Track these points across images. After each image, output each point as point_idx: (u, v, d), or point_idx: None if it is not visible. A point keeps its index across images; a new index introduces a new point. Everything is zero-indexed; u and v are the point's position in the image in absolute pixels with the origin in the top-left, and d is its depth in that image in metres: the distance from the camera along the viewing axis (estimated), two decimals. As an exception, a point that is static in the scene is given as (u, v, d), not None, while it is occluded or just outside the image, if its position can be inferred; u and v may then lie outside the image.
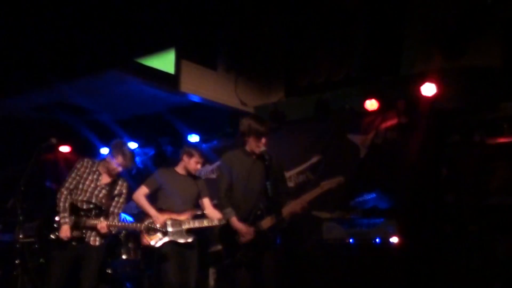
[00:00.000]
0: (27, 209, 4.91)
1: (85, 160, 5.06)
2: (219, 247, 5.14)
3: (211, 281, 6.40)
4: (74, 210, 4.86)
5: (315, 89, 7.06)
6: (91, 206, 4.88)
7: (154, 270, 6.03)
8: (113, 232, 4.99)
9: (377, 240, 5.53)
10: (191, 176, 5.49)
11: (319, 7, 6.87)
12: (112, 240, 5.96)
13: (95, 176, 4.97)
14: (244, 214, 4.63)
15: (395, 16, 6.45)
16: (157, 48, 6.37)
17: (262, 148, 4.66)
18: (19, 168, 5.01)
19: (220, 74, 7.21)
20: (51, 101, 7.10)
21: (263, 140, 4.68)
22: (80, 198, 4.89)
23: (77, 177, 4.94)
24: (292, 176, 6.89)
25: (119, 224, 4.97)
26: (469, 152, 5.81)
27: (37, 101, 7.12)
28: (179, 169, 5.49)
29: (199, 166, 5.52)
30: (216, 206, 5.43)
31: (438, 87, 5.76)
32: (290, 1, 7.12)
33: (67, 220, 4.77)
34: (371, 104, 6.27)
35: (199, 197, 5.47)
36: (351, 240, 5.70)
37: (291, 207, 4.60)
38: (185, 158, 5.44)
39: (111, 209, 4.97)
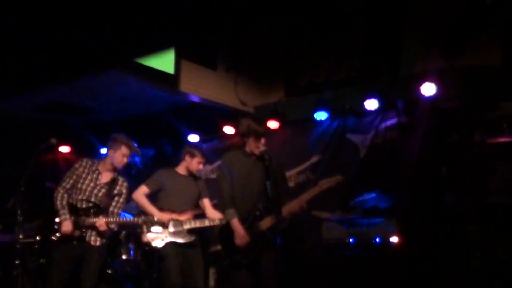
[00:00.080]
0: (27, 210, 4.92)
1: (84, 160, 5.07)
2: (219, 247, 5.14)
3: (211, 281, 6.40)
4: (73, 210, 4.86)
5: (315, 89, 7.06)
6: (90, 205, 4.87)
7: (155, 271, 6.04)
8: (112, 228, 4.97)
9: (377, 239, 5.53)
10: (192, 176, 5.49)
11: (319, 7, 6.86)
12: (112, 240, 5.97)
13: (94, 176, 4.97)
14: (243, 214, 4.64)
15: (395, 15, 6.45)
16: (157, 48, 6.36)
17: (262, 148, 4.66)
18: (19, 168, 5.01)
19: (220, 74, 7.21)
20: (51, 101, 7.10)
21: (263, 140, 4.69)
22: (79, 197, 4.89)
23: (75, 177, 4.94)
24: (292, 176, 6.89)
25: (118, 220, 4.95)
26: (469, 151, 5.81)
27: (37, 101, 7.12)
28: (180, 169, 5.49)
29: (201, 166, 5.53)
30: (216, 206, 5.44)
31: (438, 86, 5.76)
32: (290, 0, 7.12)
33: (67, 216, 4.77)
34: (371, 104, 6.27)
35: (199, 197, 5.48)
36: (351, 240, 5.70)
37: (289, 207, 4.61)
38: (187, 158, 5.44)
39: (111, 208, 4.97)
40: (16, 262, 4.81)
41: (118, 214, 5.07)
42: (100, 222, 4.77)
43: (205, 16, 6.90)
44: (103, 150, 7.85)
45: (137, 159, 8.44)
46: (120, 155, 4.99)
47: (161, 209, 5.26)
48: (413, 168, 5.93)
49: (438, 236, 5.66)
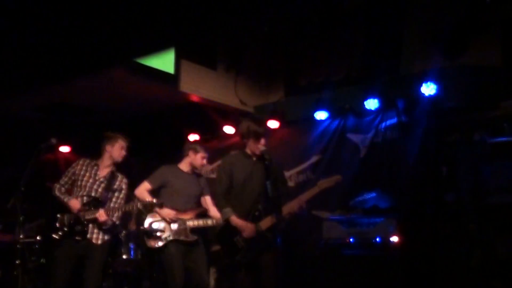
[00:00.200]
0: (27, 210, 4.93)
1: (81, 159, 5.11)
2: (219, 247, 5.14)
3: (211, 281, 6.40)
4: None
5: (315, 88, 7.06)
6: (90, 199, 4.89)
7: (157, 270, 6.04)
8: (113, 220, 4.96)
9: (377, 239, 5.53)
10: (194, 173, 5.49)
11: (319, 7, 6.86)
12: (112, 240, 5.97)
13: (93, 171, 5.01)
14: (242, 215, 4.64)
15: (395, 15, 6.44)
16: (157, 48, 6.36)
17: (262, 148, 4.67)
18: (19, 168, 5.01)
19: (220, 73, 7.22)
20: (51, 101, 7.11)
21: (262, 141, 4.70)
22: (80, 194, 4.92)
23: (72, 176, 5.00)
24: (292, 175, 6.90)
25: (117, 206, 4.97)
26: (469, 151, 5.80)
27: (37, 101, 7.12)
28: (183, 166, 5.48)
29: (205, 161, 5.54)
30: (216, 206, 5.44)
31: (438, 86, 5.76)
32: (290, 0, 7.11)
33: (70, 197, 4.87)
34: (371, 103, 6.27)
35: (201, 194, 5.47)
36: (351, 240, 5.70)
37: (289, 207, 4.61)
38: (191, 154, 5.43)
39: (111, 204, 4.97)
40: (17, 262, 4.81)
41: (117, 210, 5.05)
42: (100, 212, 4.78)
43: (205, 16, 6.89)
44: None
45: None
46: (118, 147, 5.07)
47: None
48: (413, 167, 5.94)
49: (438, 236, 5.66)
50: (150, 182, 5.35)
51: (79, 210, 4.81)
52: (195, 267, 5.18)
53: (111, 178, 5.02)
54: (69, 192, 4.99)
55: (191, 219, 5.22)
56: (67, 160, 8.19)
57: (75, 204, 4.82)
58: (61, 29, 5.67)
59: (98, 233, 4.88)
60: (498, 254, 5.27)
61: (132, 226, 6.30)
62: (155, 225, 5.22)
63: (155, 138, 8.15)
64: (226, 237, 4.65)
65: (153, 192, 5.36)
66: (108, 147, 5.06)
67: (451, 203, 5.80)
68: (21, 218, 4.80)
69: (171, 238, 5.15)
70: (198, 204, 5.46)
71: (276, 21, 7.05)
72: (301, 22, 7.04)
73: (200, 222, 5.21)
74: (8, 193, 4.81)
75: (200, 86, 6.92)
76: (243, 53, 7.35)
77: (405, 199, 5.91)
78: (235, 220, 4.59)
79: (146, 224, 5.29)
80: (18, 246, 4.88)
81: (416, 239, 5.58)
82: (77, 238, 4.79)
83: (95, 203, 4.88)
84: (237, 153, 4.96)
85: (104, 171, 5.05)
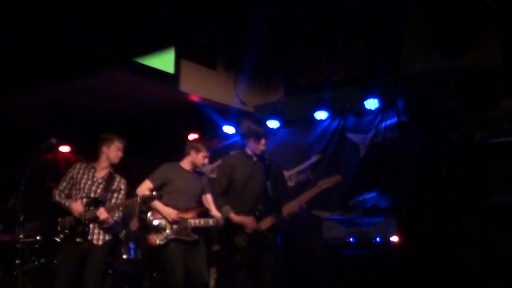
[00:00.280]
0: (27, 209, 4.92)
1: (78, 163, 5.13)
2: (219, 246, 5.14)
3: (212, 281, 6.40)
4: None
5: (315, 88, 7.06)
6: (89, 200, 4.90)
7: (157, 269, 6.03)
8: (115, 219, 4.96)
9: (378, 239, 5.53)
10: (196, 171, 5.48)
11: (319, 6, 6.86)
12: (112, 240, 5.97)
13: (90, 174, 5.02)
14: (243, 215, 4.64)
15: (395, 15, 6.44)
16: (157, 47, 6.36)
17: (262, 148, 4.68)
18: (20, 168, 5.01)
19: (220, 73, 7.22)
20: (51, 101, 7.10)
21: (263, 141, 4.71)
22: (79, 196, 4.93)
23: (71, 181, 5.02)
24: (292, 175, 6.90)
25: (118, 202, 4.98)
26: (469, 150, 5.81)
27: (37, 101, 7.11)
28: (185, 164, 5.46)
29: (206, 160, 5.53)
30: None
31: (438, 86, 5.76)
32: (290, 0, 7.11)
33: (71, 201, 4.88)
34: (371, 103, 6.28)
35: (202, 193, 5.47)
36: (351, 239, 5.71)
37: (289, 207, 4.61)
38: (192, 153, 5.42)
39: (112, 204, 4.98)
40: (17, 262, 4.80)
41: (116, 206, 5.06)
42: (101, 210, 4.79)
43: (205, 16, 6.89)
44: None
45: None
46: (114, 149, 5.07)
47: (165, 205, 5.24)
48: (413, 167, 5.94)
49: (438, 235, 5.66)
50: (152, 181, 5.34)
51: (82, 212, 4.81)
52: (195, 267, 5.17)
53: (109, 179, 5.04)
54: (69, 197, 4.99)
55: (192, 218, 5.22)
56: (67, 160, 8.20)
57: (77, 206, 4.83)
58: (61, 29, 5.67)
59: (99, 234, 4.88)
60: (498, 254, 5.27)
61: (134, 227, 6.31)
62: (156, 223, 5.21)
63: (155, 138, 8.16)
64: (227, 237, 4.66)
65: (155, 191, 5.35)
66: (104, 149, 5.07)
67: (451, 202, 5.80)
68: (21, 218, 4.80)
69: (172, 236, 5.15)
70: (200, 202, 5.46)
71: (276, 21, 7.05)
72: (301, 22, 7.04)
73: (201, 222, 5.20)
74: (8, 193, 4.81)
75: (200, 86, 6.92)
76: (243, 53, 7.35)
77: (405, 199, 5.91)
78: (235, 217, 4.60)
79: (147, 220, 5.29)
80: (18, 246, 4.88)
81: (416, 239, 5.58)
82: (78, 240, 4.79)
83: (95, 203, 4.89)
84: (237, 153, 4.97)
85: (101, 173, 5.06)
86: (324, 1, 6.85)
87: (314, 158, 6.85)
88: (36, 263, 6.10)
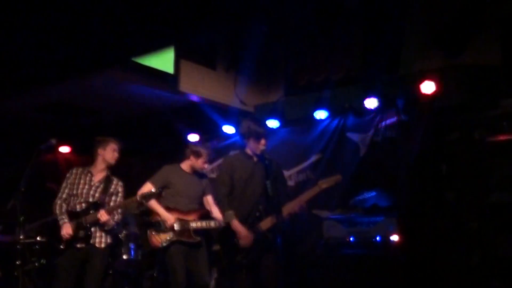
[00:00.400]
0: (27, 210, 4.92)
1: (74, 168, 5.15)
2: (219, 247, 5.14)
3: (212, 281, 6.40)
4: (74, 214, 4.92)
5: (314, 88, 7.06)
6: (88, 204, 4.91)
7: (158, 270, 6.03)
8: (115, 220, 4.97)
9: (378, 238, 5.53)
10: (196, 173, 5.48)
11: (319, 6, 6.86)
12: (112, 240, 5.97)
13: (87, 178, 5.03)
14: (243, 215, 4.64)
15: (394, 14, 6.44)
16: (156, 47, 6.36)
17: (262, 148, 4.68)
18: (19, 168, 5.01)
19: (220, 73, 7.21)
20: (51, 101, 7.10)
21: (263, 141, 4.71)
22: (77, 201, 4.95)
23: (69, 185, 5.02)
24: (292, 175, 6.90)
25: (117, 203, 4.98)
26: (469, 149, 5.81)
27: (37, 102, 7.11)
28: (185, 166, 5.46)
29: (206, 166, 5.52)
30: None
31: (437, 85, 5.76)
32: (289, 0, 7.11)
33: (65, 220, 4.86)
34: (371, 103, 6.27)
35: (203, 194, 5.47)
36: (351, 239, 5.71)
37: (289, 207, 4.62)
38: (192, 158, 5.41)
39: (112, 206, 4.98)
40: (17, 262, 4.80)
41: (116, 207, 5.06)
42: (101, 212, 4.79)
43: (205, 16, 6.89)
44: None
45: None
46: (110, 150, 5.08)
47: (167, 207, 5.24)
48: (413, 166, 5.93)
49: (438, 234, 5.66)
50: (153, 183, 5.34)
51: (69, 236, 4.79)
52: (196, 268, 5.18)
53: (106, 181, 5.04)
54: (68, 204, 5.00)
55: (194, 220, 5.21)
56: (67, 161, 8.19)
57: (67, 231, 4.81)
58: (61, 30, 5.67)
59: (101, 237, 4.90)
60: (498, 253, 5.27)
61: (135, 229, 6.32)
62: (158, 224, 5.21)
63: (155, 138, 8.15)
64: (227, 238, 4.66)
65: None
66: (100, 151, 5.07)
67: (451, 202, 5.81)
68: (21, 219, 4.79)
69: (174, 239, 5.15)
70: (201, 204, 5.45)
71: (276, 21, 7.05)
72: (301, 22, 7.04)
73: (203, 224, 5.19)
74: (8, 194, 4.81)
75: (199, 86, 6.92)
76: (243, 53, 7.34)
77: (405, 198, 5.90)
78: (236, 225, 4.58)
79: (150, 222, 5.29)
80: (18, 246, 4.88)
81: (416, 238, 5.58)
82: (79, 246, 4.80)
83: (94, 206, 4.89)
84: (238, 153, 4.97)
85: (98, 176, 5.06)
86: (323, 1, 6.85)
87: (314, 158, 6.84)
88: (36, 264, 6.09)
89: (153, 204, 5.25)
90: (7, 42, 5.85)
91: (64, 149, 8.42)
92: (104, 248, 4.91)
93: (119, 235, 6.12)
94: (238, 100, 7.34)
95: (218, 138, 7.68)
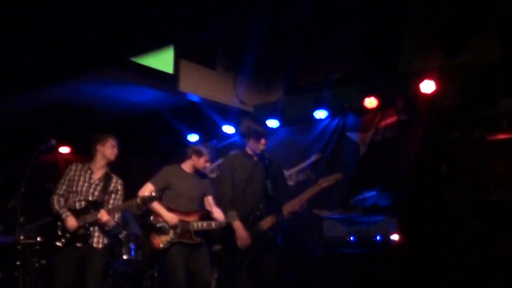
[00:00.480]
0: (27, 211, 4.92)
1: (74, 164, 5.10)
2: (220, 246, 5.14)
3: (213, 281, 6.40)
4: (73, 213, 4.89)
5: (314, 87, 7.06)
6: (88, 203, 4.89)
7: (159, 270, 6.03)
8: (115, 220, 4.95)
9: (378, 237, 5.53)
10: (198, 174, 5.47)
11: (318, 5, 6.86)
12: (112, 240, 5.97)
13: (87, 175, 4.99)
14: (244, 215, 4.65)
15: (394, 14, 6.44)
16: (155, 47, 6.36)
17: (262, 148, 4.68)
18: (19, 169, 5.01)
19: (219, 73, 7.21)
20: (50, 101, 7.10)
21: (263, 140, 4.71)
22: (76, 199, 4.92)
23: (67, 182, 4.99)
24: (292, 174, 6.90)
25: (118, 205, 4.96)
26: (469, 148, 5.81)
27: (37, 102, 7.11)
28: (186, 167, 5.45)
29: (208, 164, 5.51)
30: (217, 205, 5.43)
31: (437, 84, 5.77)
32: (288, -1, 7.12)
33: (67, 213, 4.82)
34: (370, 102, 6.27)
35: (204, 195, 5.46)
36: (351, 238, 5.71)
37: (290, 206, 4.62)
38: (194, 157, 5.40)
39: (110, 206, 4.96)
40: (17, 263, 4.79)
41: (115, 208, 5.02)
42: (102, 212, 4.77)
43: (204, 15, 6.89)
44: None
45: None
46: (109, 146, 5.04)
47: (168, 208, 5.24)
48: (413, 165, 5.93)
49: (439, 234, 5.66)
50: (154, 184, 5.33)
51: (75, 230, 4.78)
52: (197, 269, 5.18)
53: (106, 180, 5.01)
54: (66, 200, 4.97)
55: (195, 221, 5.21)
56: (67, 161, 8.17)
57: (71, 223, 4.78)
58: (61, 30, 5.67)
59: (99, 237, 4.88)
60: (499, 252, 5.28)
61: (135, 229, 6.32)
62: (159, 226, 5.21)
63: (155, 138, 8.16)
64: (228, 238, 4.66)
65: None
66: (99, 147, 5.04)
67: (451, 200, 5.81)
68: (21, 219, 4.78)
69: (175, 240, 5.14)
70: (202, 205, 5.45)
71: (275, 21, 7.05)
72: (300, 21, 7.04)
73: (204, 225, 5.19)
74: (8, 194, 4.81)
75: (199, 86, 6.92)
76: (242, 53, 7.34)
77: (405, 197, 5.90)
78: (237, 226, 4.59)
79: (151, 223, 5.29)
80: (18, 247, 4.86)
81: (417, 237, 5.58)
82: (78, 245, 4.78)
83: (94, 205, 4.88)
84: (238, 153, 4.98)
85: (98, 173, 5.03)
86: (323, 0, 6.85)
87: (314, 157, 6.84)
88: (36, 264, 6.10)
89: (155, 205, 5.24)
90: (6, 43, 5.85)
91: (64, 150, 8.42)
92: (102, 248, 4.89)
93: (119, 235, 6.12)
94: (238, 100, 7.34)
95: (218, 138, 7.68)
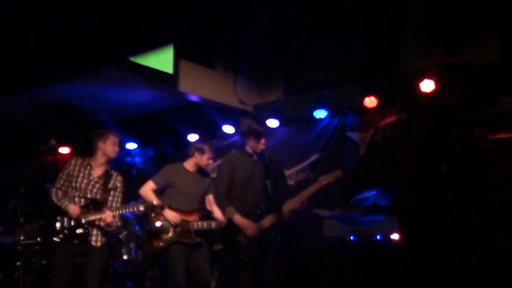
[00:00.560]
0: (27, 211, 4.91)
1: (73, 159, 5.05)
2: (220, 246, 5.14)
3: (213, 281, 6.39)
4: None
5: (314, 87, 7.06)
6: (87, 201, 4.86)
7: (159, 270, 6.03)
8: (117, 222, 4.92)
9: (378, 237, 5.54)
10: (200, 173, 5.46)
11: (317, 5, 6.87)
12: (112, 240, 5.96)
13: (86, 172, 4.94)
14: (244, 214, 4.65)
15: (393, 13, 6.44)
16: (155, 47, 6.36)
17: (262, 147, 4.68)
18: (19, 170, 5.00)
19: (219, 73, 7.21)
20: (50, 102, 7.10)
21: (263, 140, 4.70)
22: (75, 194, 4.87)
23: (66, 177, 4.93)
24: (292, 174, 6.90)
25: (114, 205, 4.93)
26: (469, 148, 5.81)
27: (36, 102, 7.11)
28: (188, 165, 5.44)
29: (211, 161, 5.51)
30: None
31: (437, 83, 5.77)
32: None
33: (67, 202, 4.79)
34: (370, 102, 6.27)
35: (205, 193, 5.46)
36: (352, 238, 5.71)
37: (290, 204, 4.62)
38: (197, 155, 5.39)
39: (109, 203, 4.93)
40: (17, 263, 4.78)
41: (117, 209, 4.99)
42: (106, 213, 4.74)
43: (204, 15, 6.89)
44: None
45: (136, 159, 8.45)
46: (111, 143, 4.98)
47: (169, 207, 5.22)
48: (413, 165, 5.94)
49: (439, 233, 5.66)
50: (155, 182, 5.32)
51: (79, 215, 4.77)
52: (197, 267, 5.17)
53: (106, 177, 4.96)
54: (65, 194, 4.94)
55: (195, 221, 5.20)
56: (67, 161, 8.17)
57: (74, 209, 4.75)
58: (60, 30, 5.67)
59: (97, 235, 4.85)
60: (499, 251, 5.27)
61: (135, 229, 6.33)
62: (158, 225, 5.20)
63: (154, 138, 8.16)
64: (229, 237, 4.66)
65: (158, 191, 5.35)
66: (100, 144, 4.97)
67: (451, 200, 5.81)
68: (21, 220, 4.77)
69: (175, 239, 5.14)
70: (203, 204, 5.45)
71: (275, 20, 7.05)
72: (300, 21, 7.04)
73: (204, 225, 5.19)
74: (8, 195, 4.80)
75: (199, 86, 6.92)
76: (242, 53, 7.35)
77: (405, 197, 5.91)
78: (238, 218, 4.59)
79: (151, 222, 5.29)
80: (19, 247, 4.85)
81: (417, 236, 5.58)
82: (75, 242, 4.75)
83: (95, 204, 4.85)
84: (238, 152, 4.97)
85: (98, 171, 4.97)
86: (323, 0, 6.85)
87: (313, 157, 6.84)
88: (37, 265, 6.09)
89: (155, 201, 5.23)
90: (6, 43, 5.85)
91: (64, 150, 8.41)
92: (101, 246, 4.86)
93: (119, 235, 6.12)
94: (237, 100, 7.34)
95: (218, 138, 7.68)
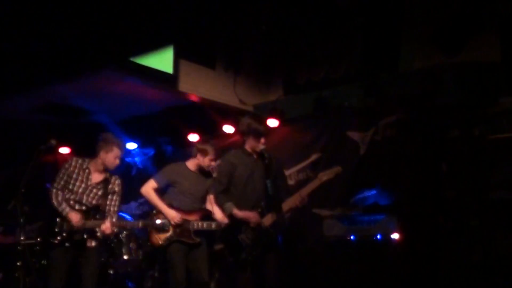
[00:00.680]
0: (27, 211, 4.90)
1: (74, 159, 5.01)
2: (221, 246, 5.14)
3: (213, 282, 6.40)
4: None
5: (314, 86, 7.06)
6: (84, 208, 4.83)
7: (158, 269, 6.03)
8: (114, 230, 4.91)
9: (378, 236, 5.54)
10: (202, 172, 5.46)
11: (317, 4, 6.87)
12: (113, 241, 5.97)
13: (85, 175, 4.90)
14: (245, 213, 4.65)
15: (393, 12, 6.45)
16: (155, 47, 6.36)
17: (261, 147, 4.68)
18: (19, 170, 5.00)
19: (219, 73, 7.21)
20: (50, 102, 7.10)
21: (262, 139, 4.70)
22: (71, 197, 4.85)
23: (65, 177, 4.90)
24: (292, 174, 6.90)
25: (124, 223, 4.94)
26: (469, 147, 5.81)
27: (36, 102, 7.11)
28: (191, 165, 5.45)
29: (213, 163, 5.50)
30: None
31: (437, 83, 5.76)
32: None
33: (68, 209, 4.75)
34: (369, 101, 6.28)
35: (207, 193, 5.46)
36: (352, 237, 5.71)
37: (290, 202, 4.61)
38: (199, 156, 5.38)
39: (107, 207, 4.92)
40: (18, 263, 4.78)
41: (116, 213, 5.00)
42: (106, 225, 4.72)
43: (204, 15, 6.90)
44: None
45: (136, 159, 8.45)
46: (112, 156, 4.93)
47: (170, 205, 5.23)
48: (413, 164, 5.94)
49: (439, 232, 5.66)
50: (157, 181, 5.32)
51: (80, 224, 4.74)
52: (196, 267, 5.18)
53: (104, 183, 4.93)
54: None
55: (195, 220, 5.21)
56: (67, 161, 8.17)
57: (76, 218, 4.72)
58: (60, 30, 5.67)
59: (91, 237, 4.84)
60: (499, 251, 5.28)
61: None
62: (159, 223, 5.20)
63: (155, 138, 8.16)
64: (230, 236, 4.65)
65: (159, 191, 5.35)
66: (102, 154, 4.92)
67: (451, 199, 5.81)
68: (21, 220, 4.76)
69: (174, 238, 5.14)
70: (204, 203, 5.45)
71: (275, 20, 7.06)
72: (300, 21, 7.05)
73: (204, 225, 5.19)
74: (8, 195, 4.80)
75: (199, 86, 6.92)
76: (242, 52, 7.35)
77: (405, 196, 5.91)
78: (238, 212, 4.59)
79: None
80: (19, 247, 4.84)
81: (417, 236, 5.58)
82: (73, 245, 4.76)
83: (95, 212, 4.83)
84: (238, 151, 4.96)
85: (96, 176, 4.94)
86: (323, 0, 6.86)
87: (313, 157, 6.84)
88: (37, 265, 6.10)
89: (155, 200, 5.24)
90: (6, 43, 5.85)
91: (64, 150, 8.41)
92: (96, 245, 4.84)
93: (120, 235, 6.12)
94: (237, 100, 7.34)
95: (218, 138, 7.67)
